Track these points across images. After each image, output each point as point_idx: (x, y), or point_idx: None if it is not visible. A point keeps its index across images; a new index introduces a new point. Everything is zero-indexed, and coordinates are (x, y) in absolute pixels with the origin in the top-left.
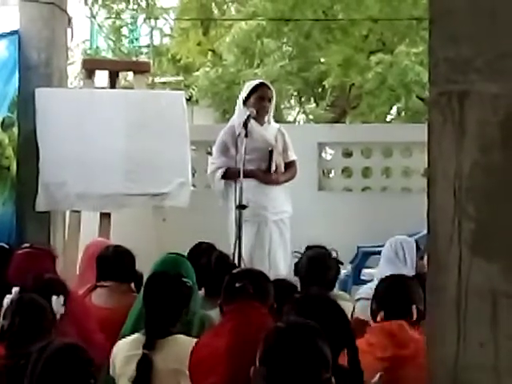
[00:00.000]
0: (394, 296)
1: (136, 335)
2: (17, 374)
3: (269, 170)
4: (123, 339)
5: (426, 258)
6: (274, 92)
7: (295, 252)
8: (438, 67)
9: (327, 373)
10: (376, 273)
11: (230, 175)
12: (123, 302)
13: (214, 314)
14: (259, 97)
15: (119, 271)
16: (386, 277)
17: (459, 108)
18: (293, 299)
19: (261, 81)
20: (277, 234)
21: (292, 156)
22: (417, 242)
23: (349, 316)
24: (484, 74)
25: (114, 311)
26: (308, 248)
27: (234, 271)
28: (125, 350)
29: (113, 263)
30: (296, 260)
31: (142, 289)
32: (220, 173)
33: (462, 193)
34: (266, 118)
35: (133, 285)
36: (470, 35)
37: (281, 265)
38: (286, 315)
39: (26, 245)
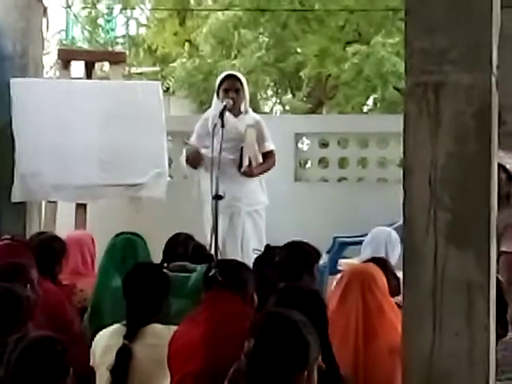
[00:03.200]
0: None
1: (116, 326)
2: None
3: (240, 166)
4: (104, 330)
5: None
6: (243, 82)
7: (255, 250)
8: (413, 58)
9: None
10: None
11: (192, 158)
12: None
13: None
14: (224, 89)
15: (41, 263)
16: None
17: (434, 99)
18: (275, 290)
19: (228, 72)
20: (250, 225)
21: (269, 146)
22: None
23: None
24: (459, 65)
25: None
26: (267, 247)
27: (216, 261)
28: (105, 341)
29: (36, 254)
30: (255, 257)
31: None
32: (187, 148)
33: (437, 183)
34: (243, 108)
35: None
36: (445, 26)
37: (254, 255)
38: (269, 305)
39: (6, 236)
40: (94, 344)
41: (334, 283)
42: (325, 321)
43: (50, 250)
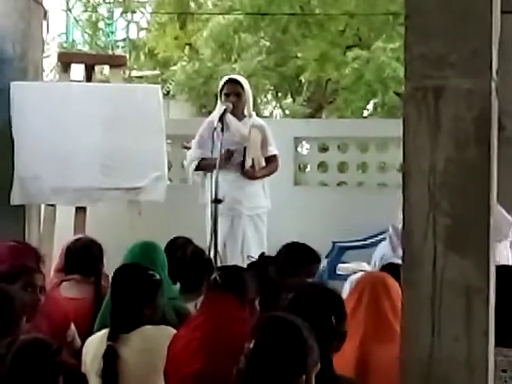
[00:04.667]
0: None
1: (105, 330)
2: None
3: (243, 167)
4: (93, 335)
5: None
6: (244, 85)
7: (249, 257)
8: (413, 62)
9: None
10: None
11: (203, 166)
12: (91, 293)
13: (190, 307)
14: (225, 94)
15: (85, 265)
16: None
17: (434, 103)
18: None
19: (229, 77)
20: (251, 229)
21: (272, 151)
22: None
23: None
24: (458, 70)
25: (82, 302)
26: (262, 255)
27: (217, 267)
28: (94, 346)
29: (79, 256)
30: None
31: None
32: (194, 164)
33: (436, 188)
34: (246, 112)
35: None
36: (445, 31)
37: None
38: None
39: (13, 240)
40: (84, 350)
41: (347, 287)
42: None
43: (93, 252)
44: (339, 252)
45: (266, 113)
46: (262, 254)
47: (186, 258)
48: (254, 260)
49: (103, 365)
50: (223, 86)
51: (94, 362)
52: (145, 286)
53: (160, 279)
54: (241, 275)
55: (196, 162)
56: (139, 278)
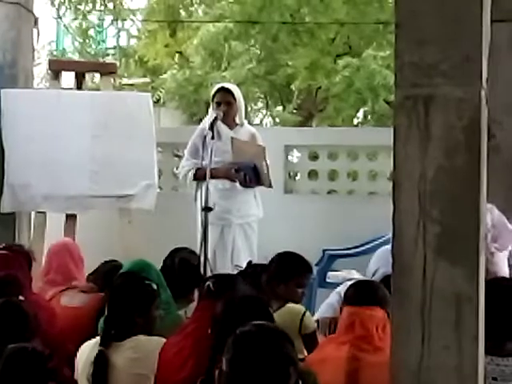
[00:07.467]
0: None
1: (98, 338)
2: None
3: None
4: (86, 342)
5: None
6: (236, 94)
7: (237, 266)
8: (403, 71)
9: (295, 375)
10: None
11: (199, 176)
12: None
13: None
14: (216, 103)
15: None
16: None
17: (424, 112)
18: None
19: (220, 85)
20: (242, 238)
21: None
22: None
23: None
24: (449, 78)
25: (82, 310)
26: (249, 264)
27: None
28: (87, 352)
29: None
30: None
31: None
32: (191, 174)
33: (426, 196)
34: (238, 121)
35: None
36: (436, 39)
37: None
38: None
39: (4, 245)
40: (77, 356)
41: (335, 296)
42: None
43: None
44: (329, 260)
45: (257, 121)
46: (249, 262)
47: (174, 265)
48: (241, 269)
49: (93, 369)
50: (214, 95)
51: (86, 367)
52: (140, 295)
53: (156, 290)
54: (235, 283)
55: (193, 172)
56: (135, 286)
